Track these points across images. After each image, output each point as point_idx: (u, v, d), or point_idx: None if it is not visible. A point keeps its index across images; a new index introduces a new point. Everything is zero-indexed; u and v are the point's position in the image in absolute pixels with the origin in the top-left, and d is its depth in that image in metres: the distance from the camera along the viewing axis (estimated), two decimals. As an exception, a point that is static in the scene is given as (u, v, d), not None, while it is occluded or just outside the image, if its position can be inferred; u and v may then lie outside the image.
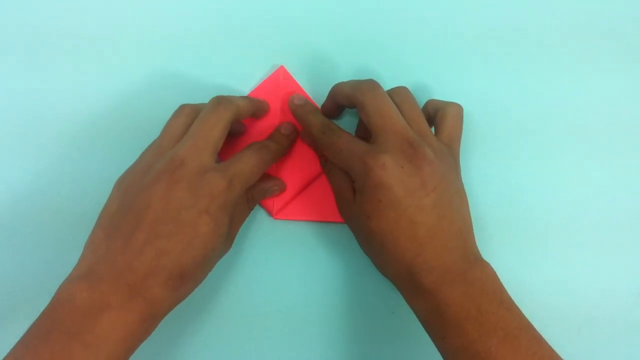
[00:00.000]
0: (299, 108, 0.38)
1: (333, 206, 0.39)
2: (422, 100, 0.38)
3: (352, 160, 0.33)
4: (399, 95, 0.34)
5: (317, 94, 0.40)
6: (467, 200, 0.34)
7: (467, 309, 0.30)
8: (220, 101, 0.34)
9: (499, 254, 0.40)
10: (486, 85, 0.42)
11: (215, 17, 0.41)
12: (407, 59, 0.41)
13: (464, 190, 0.34)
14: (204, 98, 0.40)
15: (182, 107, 0.35)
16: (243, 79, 0.41)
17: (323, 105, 0.38)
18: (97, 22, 0.41)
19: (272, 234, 0.40)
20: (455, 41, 0.42)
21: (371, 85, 0.34)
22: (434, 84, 0.41)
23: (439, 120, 0.35)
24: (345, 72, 0.41)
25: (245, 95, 0.40)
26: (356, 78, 0.40)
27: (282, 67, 0.40)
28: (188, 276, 0.31)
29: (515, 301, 0.40)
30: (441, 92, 0.41)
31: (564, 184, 0.41)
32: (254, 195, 0.38)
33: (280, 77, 0.40)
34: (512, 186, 0.41)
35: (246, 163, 0.34)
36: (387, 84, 0.40)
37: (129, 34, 0.41)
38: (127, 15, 0.41)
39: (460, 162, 0.36)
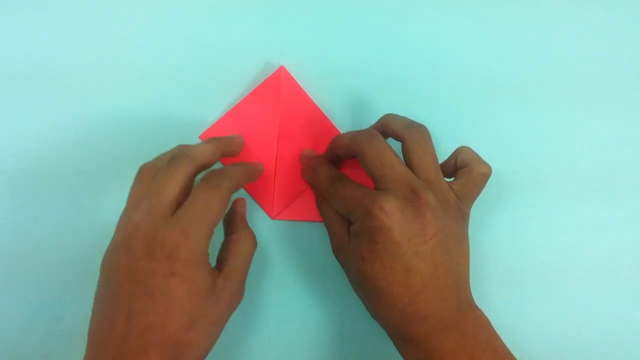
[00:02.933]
0: (309, 160, 0.38)
1: None
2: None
3: (354, 204, 0.32)
4: (413, 139, 0.33)
5: (317, 94, 0.40)
6: (467, 251, 0.33)
7: (460, 358, 0.30)
8: (172, 157, 0.32)
9: (499, 256, 0.40)
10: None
11: (214, 17, 0.41)
12: (408, 55, 0.41)
13: (466, 241, 0.34)
14: (202, 98, 0.40)
15: (141, 170, 0.34)
16: (243, 80, 0.40)
17: (323, 156, 0.38)
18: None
19: (272, 234, 0.40)
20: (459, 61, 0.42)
21: (369, 135, 0.33)
22: (431, 80, 0.41)
23: (463, 173, 0.35)
24: (346, 71, 0.41)
25: (247, 94, 0.40)
26: (357, 76, 0.41)
27: (282, 67, 0.40)
28: (183, 343, 0.30)
29: (515, 301, 0.40)
30: (436, 87, 0.41)
31: (564, 184, 0.41)
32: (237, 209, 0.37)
33: (280, 77, 0.40)
34: (512, 187, 0.41)
35: (197, 201, 0.31)
36: (389, 80, 0.41)
37: (125, 30, 0.41)
38: (126, 14, 0.41)
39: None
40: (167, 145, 0.40)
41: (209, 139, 0.36)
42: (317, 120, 0.40)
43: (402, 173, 0.32)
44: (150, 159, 0.40)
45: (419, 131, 0.34)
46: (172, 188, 0.31)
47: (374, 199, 0.31)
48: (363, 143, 0.33)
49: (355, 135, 0.34)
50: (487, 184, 0.35)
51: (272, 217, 0.40)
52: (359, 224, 0.32)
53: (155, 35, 0.41)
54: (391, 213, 0.30)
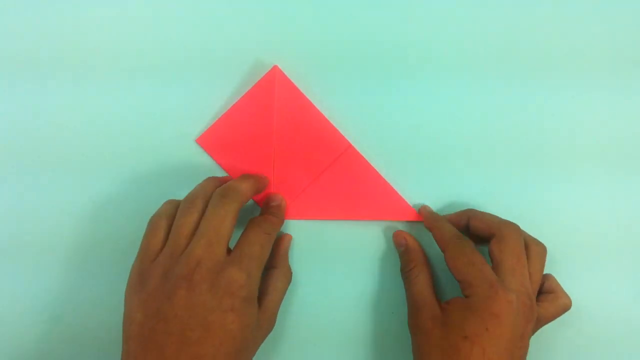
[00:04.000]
0: (431, 215, 0.39)
1: (332, 204, 0.40)
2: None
3: (480, 279, 0.34)
4: (535, 253, 0.36)
5: (312, 93, 0.40)
6: None
7: None
8: (224, 194, 0.35)
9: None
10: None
11: (205, 17, 0.41)
12: (407, 51, 0.41)
13: None
14: (195, 99, 0.40)
15: (191, 203, 0.35)
16: (236, 81, 0.40)
17: (449, 218, 0.39)
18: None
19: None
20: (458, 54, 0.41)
21: (518, 230, 0.36)
22: (430, 76, 0.41)
23: (549, 298, 0.37)
24: (342, 68, 0.41)
25: (242, 95, 0.40)
26: (353, 73, 0.40)
27: (275, 66, 0.40)
28: None
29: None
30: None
31: (564, 189, 0.41)
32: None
33: (275, 77, 0.40)
34: (512, 194, 0.41)
35: (255, 244, 0.34)
36: (385, 74, 0.41)
37: (117, 30, 0.41)
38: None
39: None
40: (161, 146, 0.40)
41: (245, 175, 0.38)
42: (314, 118, 0.40)
43: (527, 278, 0.35)
44: (143, 160, 0.40)
45: (543, 249, 0.37)
46: (228, 224, 0.34)
47: (506, 289, 0.33)
48: (512, 231, 0.36)
49: (505, 221, 0.37)
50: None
51: None
52: (476, 301, 0.33)
53: (147, 36, 0.41)
54: (514, 311, 0.33)
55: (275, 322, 0.36)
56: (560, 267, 0.39)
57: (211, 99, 0.41)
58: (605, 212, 0.41)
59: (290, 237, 0.40)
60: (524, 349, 0.33)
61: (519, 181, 0.41)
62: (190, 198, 0.35)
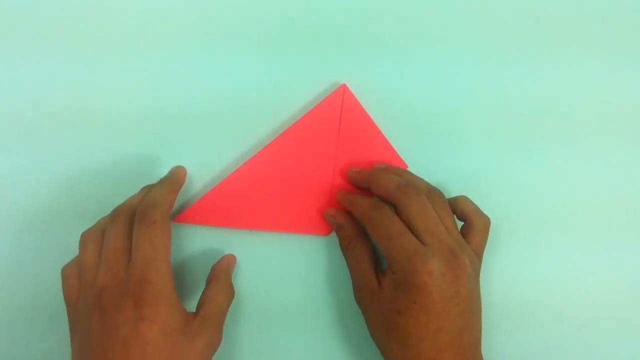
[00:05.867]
0: (345, 196, 0.38)
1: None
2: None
3: (399, 252, 0.33)
4: (436, 203, 0.35)
5: (380, 117, 0.40)
6: (481, 309, 0.35)
7: None
8: (117, 212, 0.35)
9: (498, 253, 0.40)
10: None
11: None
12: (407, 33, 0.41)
13: (480, 298, 0.35)
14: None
15: (83, 237, 0.35)
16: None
17: (356, 179, 0.38)
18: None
19: (269, 235, 0.40)
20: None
21: (416, 190, 0.35)
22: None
23: (467, 229, 0.36)
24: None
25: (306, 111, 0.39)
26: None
27: (344, 85, 0.39)
28: None
29: (515, 301, 0.40)
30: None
31: (563, 183, 0.41)
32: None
33: (341, 96, 0.39)
34: (511, 185, 0.41)
35: (143, 246, 0.33)
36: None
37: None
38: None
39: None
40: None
41: (161, 179, 0.38)
42: (378, 143, 0.39)
43: (444, 232, 0.34)
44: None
45: (439, 195, 0.36)
46: (119, 242, 0.34)
47: (425, 260, 0.32)
48: (410, 195, 0.34)
49: (403, 185, 0.35)
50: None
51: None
52: (400, 276, 0.33)
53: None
54: (436, 277, 0.32)
55: (221, 336, 0.35)
56: (561, 244, 0.40)
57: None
58: (607, 187, 0.41)
59: (233, 258, 0.39)
60: (462, 303, 0.33)
61: (519, 154, 0.41)
62: (82, 234, 0.35)
